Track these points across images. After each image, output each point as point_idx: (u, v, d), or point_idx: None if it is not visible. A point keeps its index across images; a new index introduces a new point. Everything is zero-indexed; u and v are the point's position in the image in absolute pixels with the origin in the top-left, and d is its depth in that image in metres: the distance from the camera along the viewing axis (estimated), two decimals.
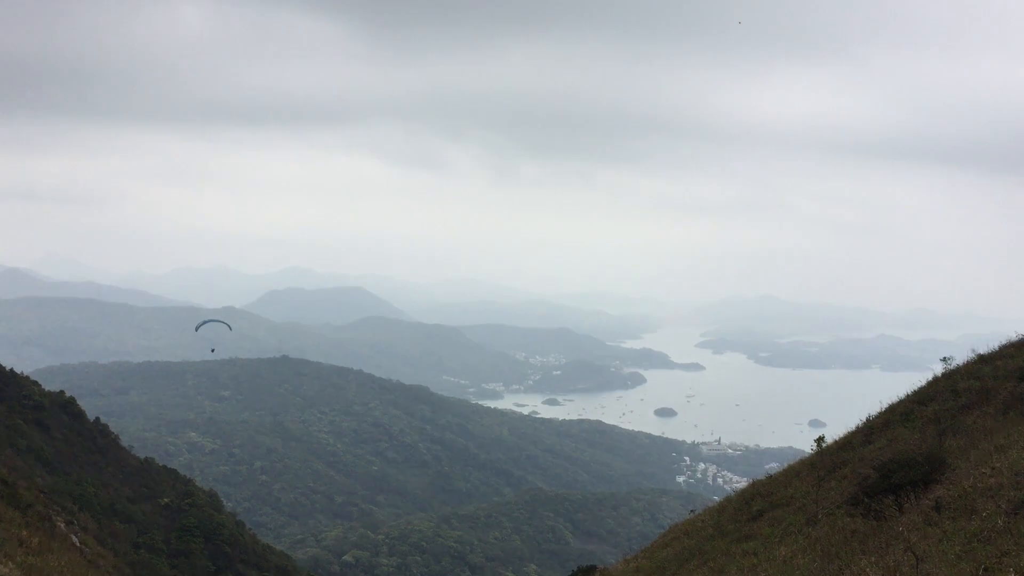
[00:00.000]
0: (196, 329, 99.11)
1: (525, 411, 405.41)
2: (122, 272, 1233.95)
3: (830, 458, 28.28)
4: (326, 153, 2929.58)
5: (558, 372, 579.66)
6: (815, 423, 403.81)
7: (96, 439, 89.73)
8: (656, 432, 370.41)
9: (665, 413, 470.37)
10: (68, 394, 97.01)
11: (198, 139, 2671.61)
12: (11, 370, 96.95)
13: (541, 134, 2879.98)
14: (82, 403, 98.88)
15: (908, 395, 29.60)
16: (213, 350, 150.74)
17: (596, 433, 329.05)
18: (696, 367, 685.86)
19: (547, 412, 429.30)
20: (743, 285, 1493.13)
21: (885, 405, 30.27)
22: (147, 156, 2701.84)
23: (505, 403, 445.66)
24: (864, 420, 30.35)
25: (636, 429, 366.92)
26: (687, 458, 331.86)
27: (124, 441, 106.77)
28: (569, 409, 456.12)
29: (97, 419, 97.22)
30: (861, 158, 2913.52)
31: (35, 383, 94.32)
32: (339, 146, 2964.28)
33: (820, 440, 30.61)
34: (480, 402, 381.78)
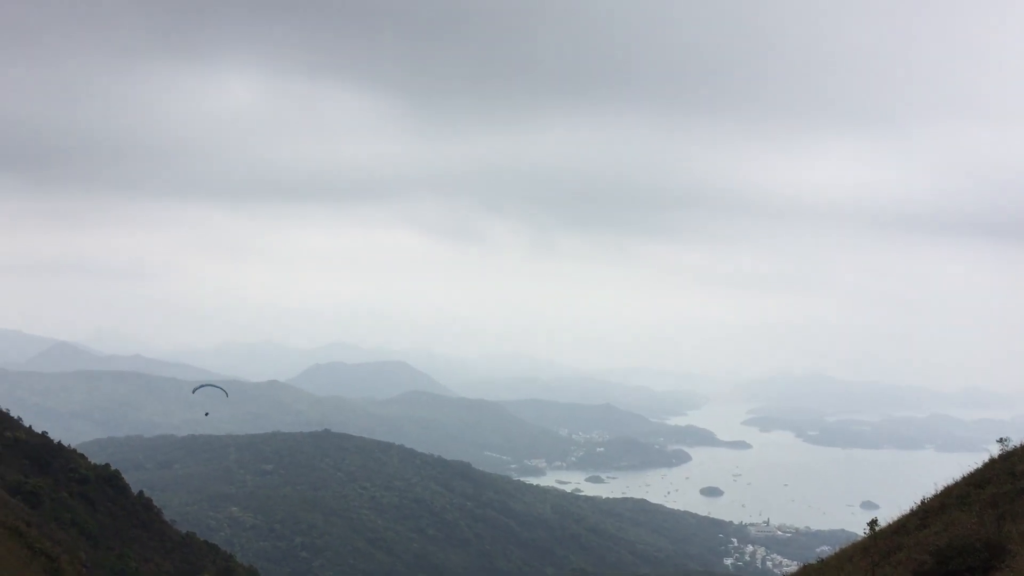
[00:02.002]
0: (193, 392, 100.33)
1: (568, 488, 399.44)
2: (169, 346, 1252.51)
3: (884, 542, 27.39)
4: (367, 227, 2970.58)
5: (601, 449, 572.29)
6: (867, 505, 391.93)
7: (139, 513, 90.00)
8: (702, 512, 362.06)
9: (711, 492, 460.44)
10: (113, 467, 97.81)
11: (244, 214, 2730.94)
12: (59, 443, 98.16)
13: (580, 207, 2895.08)
14: (127, 476, 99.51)
15: (964, 477, 28.74)
16: (207, 414, 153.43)
17: (640, 512, 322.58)
18: (742, 445, 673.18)
19: (590, 490, 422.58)
20: (789, 361, 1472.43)
21: (940, 487, 29.39)
22: (194, 230, 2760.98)
23: (548, 480, 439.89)
24: (919, 503, 29.46)
25: (681, 508, 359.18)
26: (734, 539, 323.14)
27: (167, 515, 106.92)
28: (613, 487, 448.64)
29: (141, 493, 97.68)
30: (907, 230, 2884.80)
31: (82, 456, 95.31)
32: (380, 220, 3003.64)
33: (873, 523, 29.72)
34: (522, 479, 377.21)
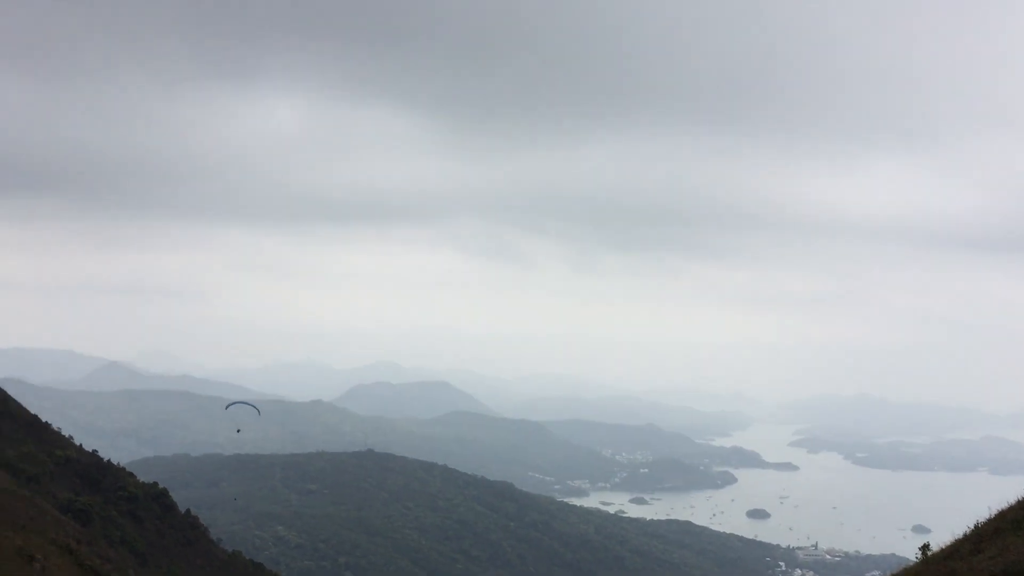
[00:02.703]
0: (226, 408, 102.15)
1: (611, 510, 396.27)
2: (216, 365, 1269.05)
3: (937, 567, 26.77)
4: (410, 248, 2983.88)
5: (645, 470, 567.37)
6: (919, 529, 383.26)
7: (186, 531, 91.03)
8: (748, 534, 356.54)
9: (758, 515, 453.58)
10: (161, 486, 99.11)
11: (289, 235, 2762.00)
12: (108, 461, 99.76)
13: (623, 227, 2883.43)
14: (174, 495, 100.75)
15: (1019, 501, 28.03)
16: (239, 431, 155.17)
17: (685, 534, 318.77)
18: (789, 467, 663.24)
19: (634, 511, 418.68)
20: (836, 382, 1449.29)
21: (994, 511, 28.68)
22: (240, 252, 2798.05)
23: (591, 501, 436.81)
24: (972, 527, 28.76)
25: (727, 531, 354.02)
26: (782, 563, 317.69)
27: (213, 534, 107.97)
28: (657, 508, 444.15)
29: (188, 511, 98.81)
30: (955, 248, 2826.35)
31: (130, 474, 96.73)
32: (423, 241, 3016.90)
33: (925, 548, 29.09)
34: (566, 499, 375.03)
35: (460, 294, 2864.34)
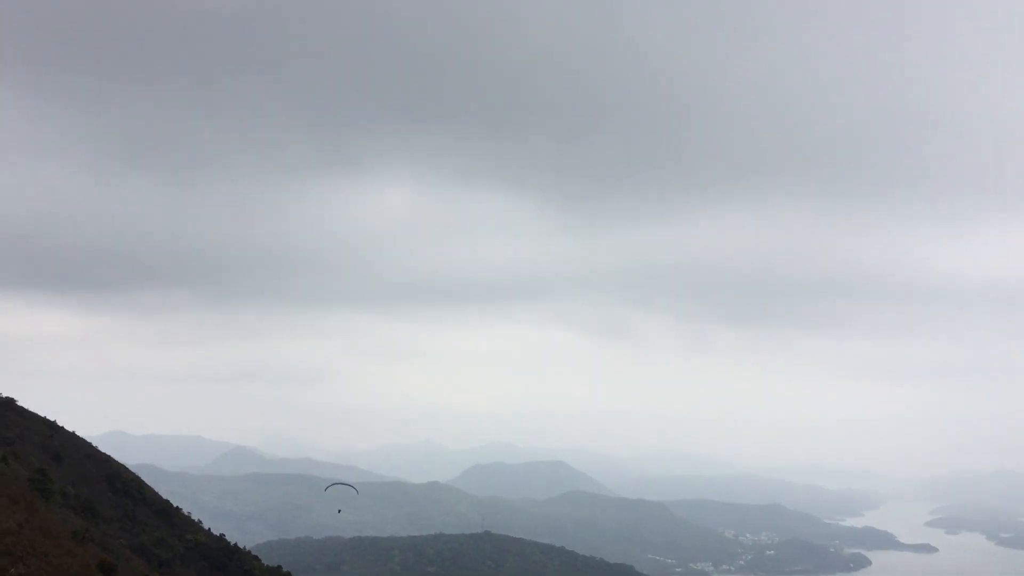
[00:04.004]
0: (325, 490, 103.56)
1: None
2: (336, 448, 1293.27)
3: None
4: (520, 327, 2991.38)
5: (771, 552, 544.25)
6: None
7: None
8: None
9: None
10: (285, 569, 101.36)
11: (401, 318, 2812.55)
12: (235, 545, 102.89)
13: (734, 300, 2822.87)
14: None
15: None
16: (340, 511, 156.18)
17: None
18: (928, 548, 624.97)
19: None
20: (972, 456, 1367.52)
21: None
22: (356, 336, 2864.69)
23: None
24: None
25: None
26: None
27: None
28: None
29: None
30: None
31: (255, 558, 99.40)
32: (532, 320, 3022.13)
33: None
34: None
35: (572, 372, 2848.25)
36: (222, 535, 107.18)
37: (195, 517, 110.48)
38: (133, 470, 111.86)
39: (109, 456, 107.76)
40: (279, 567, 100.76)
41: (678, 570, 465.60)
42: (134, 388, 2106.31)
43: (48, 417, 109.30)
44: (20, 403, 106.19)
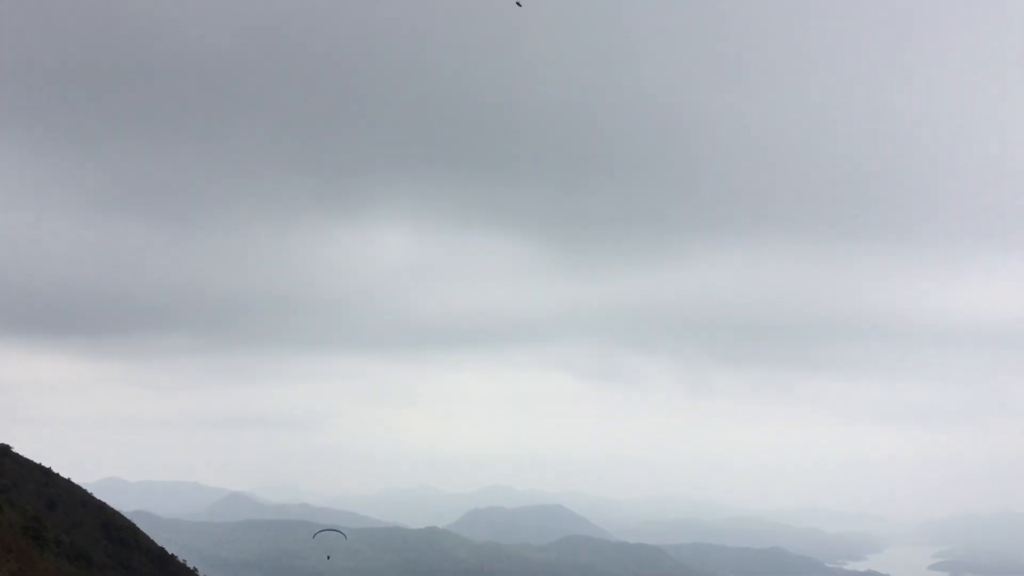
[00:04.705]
0: (313, 536, 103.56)
1: None
2: (333, 493, 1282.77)
3: None
4: (518, 371, 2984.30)
5: None
6: None
7: None
8: None
9: None
10: None
11: (399, 361, 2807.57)
12: None
13: (734, 342, 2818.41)
14: None
15: None
16: (329, 557, 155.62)
17: None
18: None
19: None
20: (975, 499, 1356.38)
21: None
22: (353, 380, 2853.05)
23: None
24: None
25: None
26: None
27: None
28: None
29: None
30: None
31: None
32: (531, 363, 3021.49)
33: None
34: None
35: (571, 415, 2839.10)
36: None
37: (191, 565, 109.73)
38: (128, 517, 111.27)
39: (104, 503, 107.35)
40: None
41: None
42: (131, 434, 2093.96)
43: (44, 464, 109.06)
44: (15, 450, 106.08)
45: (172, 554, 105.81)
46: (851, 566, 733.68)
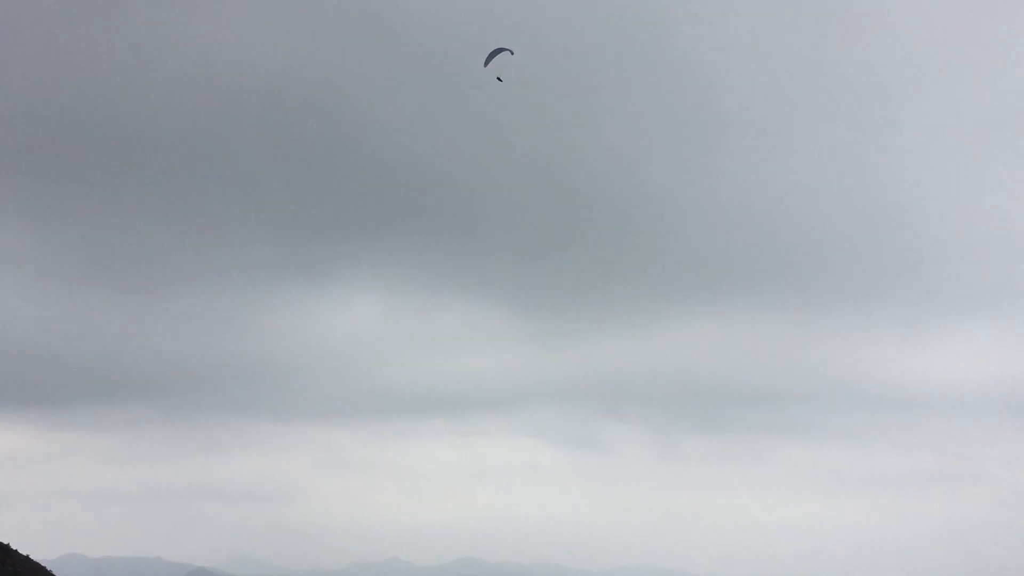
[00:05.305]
0: None
1: None
2: (301, 568, 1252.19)
3: None
4: (490, 438, 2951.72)
5: None
6: None
7: None
8: None
9: None
10: None
11: (368, 431, 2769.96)
12: None
13: (704, 409, 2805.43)
14: None
15: None
16: None
17: None
18: None
19: None
20: (949, 568, 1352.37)
21: None
22: (321, 450, 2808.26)
23: None
24: None
25: None
26: None
27: None
28: None
29: None
30: None
31: None
32: (502, 431, 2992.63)
33: None
34: None
35: (542, 483, 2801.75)
36: None
37: None
38: None
39: None
40: None
41: None
42: (91, 507, 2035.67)
43: (1, 540, 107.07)
44: None
45: None
46: None
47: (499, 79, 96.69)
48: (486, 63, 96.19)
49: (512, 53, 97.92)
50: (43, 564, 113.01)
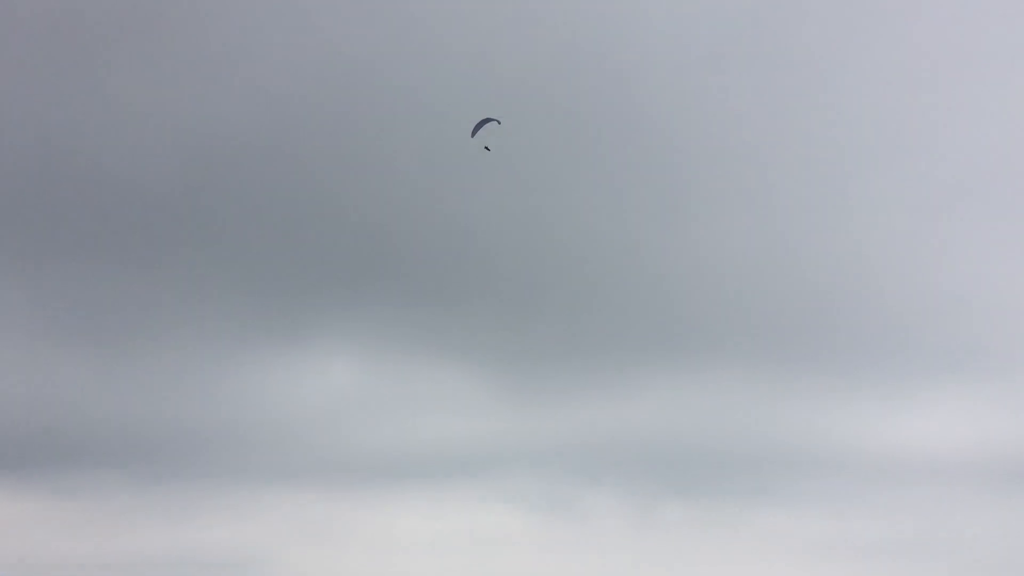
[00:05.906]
0: None
1: None
2: None
3: None
4: (461, 504, 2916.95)
5: None
6: None
7: None
8: None
9: None
10: None
11: (341, 497, 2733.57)
12: None
13: (682, 474, 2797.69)
14: None
15: None
16: None
17: None
18: None
19: None
20: None
21: None
22: (290, 516, 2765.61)
23: None
24: None
25: None
26: None
27: None
28: None
29: None
30: None
31: None
32: (475, 497, 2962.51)
33: None
34: None
35: (515, 551, 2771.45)
36: None
37: None
38: None
39: None
40: None
41: None
42: None
43: None
44: None
45: None
46: None
47: (487, 148, 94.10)
48: (473, 134, 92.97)
49: (499, 123, 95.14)
50: None
